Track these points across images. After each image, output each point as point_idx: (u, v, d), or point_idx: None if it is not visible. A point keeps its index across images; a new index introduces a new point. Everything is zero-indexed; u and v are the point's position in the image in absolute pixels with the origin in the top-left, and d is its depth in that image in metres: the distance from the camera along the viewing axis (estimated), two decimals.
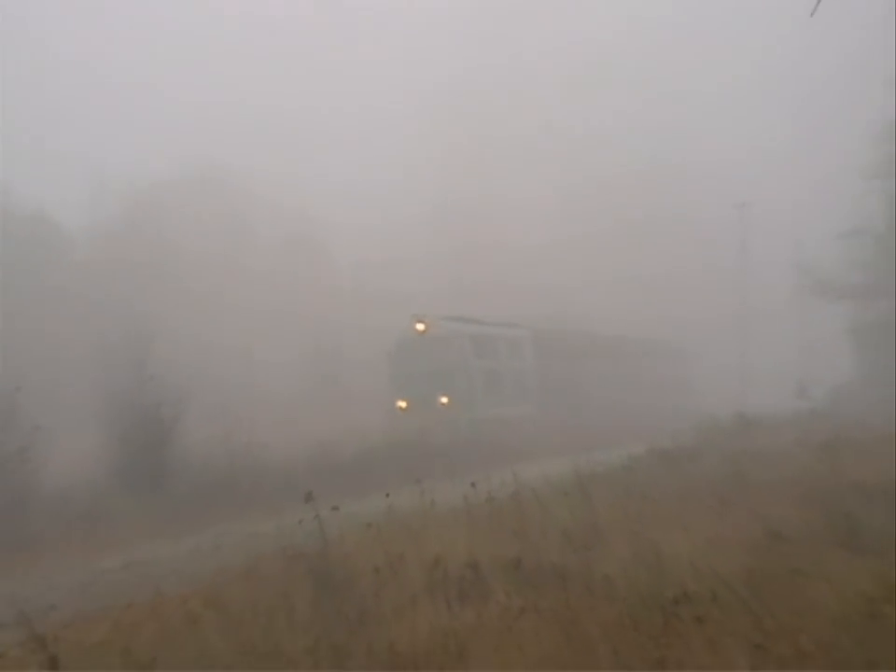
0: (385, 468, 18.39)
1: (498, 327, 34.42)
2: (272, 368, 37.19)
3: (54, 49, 48.03)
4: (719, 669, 4.67)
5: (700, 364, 48.02)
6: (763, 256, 49.18)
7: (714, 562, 6.19)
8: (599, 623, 5.38)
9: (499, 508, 9.16)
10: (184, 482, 18.41)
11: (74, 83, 49.65)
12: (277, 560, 8.04)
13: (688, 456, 15.80)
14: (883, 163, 33.63)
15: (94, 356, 22.86)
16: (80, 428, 19.66)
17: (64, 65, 48.84)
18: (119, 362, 20.23)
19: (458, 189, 52.83)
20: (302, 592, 6.87)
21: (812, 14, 6.99)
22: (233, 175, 45.13)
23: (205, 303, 36.04)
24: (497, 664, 5.08)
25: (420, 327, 30.99)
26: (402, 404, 30.53)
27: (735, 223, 51.65)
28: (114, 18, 55.43)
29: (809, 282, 37.36)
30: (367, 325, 37.31)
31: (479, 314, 34.34)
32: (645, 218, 54.05)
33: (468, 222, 51.15)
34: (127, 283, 32.59)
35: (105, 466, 18.41)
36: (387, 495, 8.91)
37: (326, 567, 7.38)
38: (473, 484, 9.18)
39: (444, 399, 30.05)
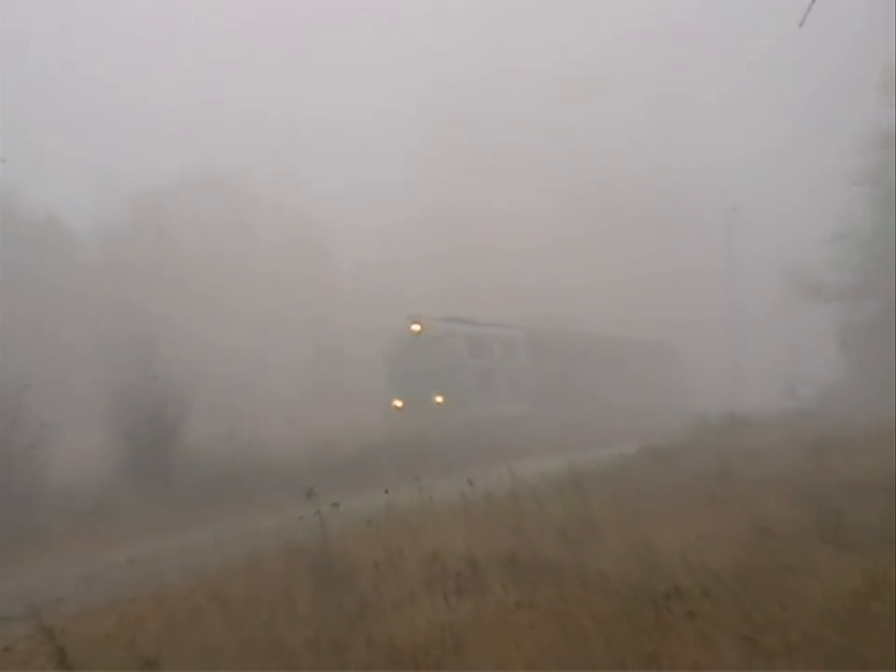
0: (384, 465, 18.37)
1: (492, 327, 34.38)
2: (273, 367, 37.23)
3: (62, 58, 47.99)
4: (709, 661, 4.67)
5: (692, 365, 48.07)
6: (753, 259, 49.22)
7: (705, 557, 6.19)
8: (593, 617, 5.37)
9: (496, 504, 9.16)
10: (188, 478, 18.44)
11: (81, 91, 49.66)
12: (279, 555, 8.04)
13: (680, 455, 15.84)
14: (869, 170, 33.75)
15: (101, 355, 22.93)
16: (87, 426, 19.68)
17: (71, 74, 48.84)
18: (125, 362, 20.28)
19: (456, 193, 52.88)
20: (303, 586, 6.87)
21: (801, 24, 7.00)
22: (236, 180, 45.22)
23: (208, 304, 36.11)
24: (493, 656, 5.08)
25: (416, 327, 30.94)
26: (398, 403, 30.49)
27: (726, 227, 51.76)
28: (119, 27, 55.41)
29: (798, 284, 37.34)
30: (366, 325, 37.30)
31: (476, 315, 34.32)
32: (639, 222, 54.09)
33: (466, 225, 51.23)
34: (132, 284, 32.63)
35: (111, 462, 18.43)
36: (386, 491, 8.90)
37: (326, 561, 7.38)
38: (470, 482, 9.17)
39: (439, 399, 30.00)
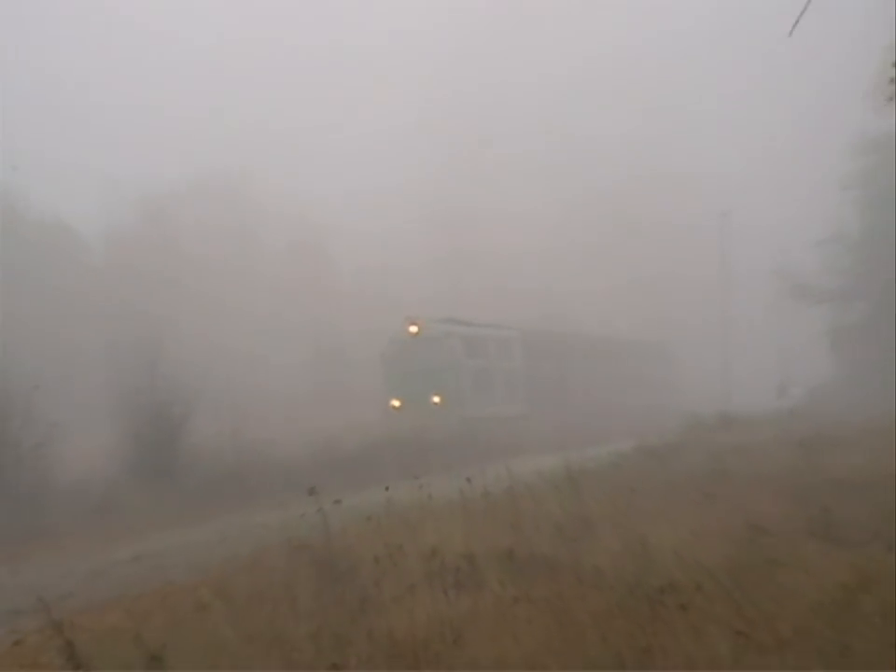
0: (384, 463, 18.36)
1: (488, 328, 34.32)
2: (276, 368, 37.24)
3: (71, 67, 47.97)
4: (702, 654, 4.68)
5: (686, 365, 48.07)
6: (745, 262, 49.22)
7: (698, 553, 6.20)
8: (589, 612, 5.39)
9: (494, 501, 9.15)
10: (193, 476, 18.45)
11: (89, 99, 49.63)
12: (282, 551, 8.05)
13: (673, 453, 15.81)
14: (858, 175, 33.87)
15: (108, 356, 22.95)
16: (94, 426, 19.70)
17: (80, 82, 48.83)
18: (132, 363, 20.26)
19: (456, 198, 52.89)
20: (306, 581, 6.88)
21: (790, 34, 7.00)
22: (239, 185, 45.25)
23: (213, 307, 36.12)
24: (491, 650, 5.09)
25: (413, 328, 30.90)
26: (396, 403, 30.45)
27: (718, 231, 51.76)
28: (127, 36, 55.40)
29: (789, 287, 37.39)
30: (366, 327, 37.25)
31: (475, 317, 34.30)
32: (634, 226, 54.16)
33: (464, 229, 51.23)
34: (139, 287, 32.67)
35: (118, 461, 18.43)
36: (387, 489, 8.88)
37: (328, 557, 7.38)
38: (469, 479, 9.16)
39: (436, 399, 29.95)
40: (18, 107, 37.88)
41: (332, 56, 61.64)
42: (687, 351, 48.30)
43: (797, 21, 7.01)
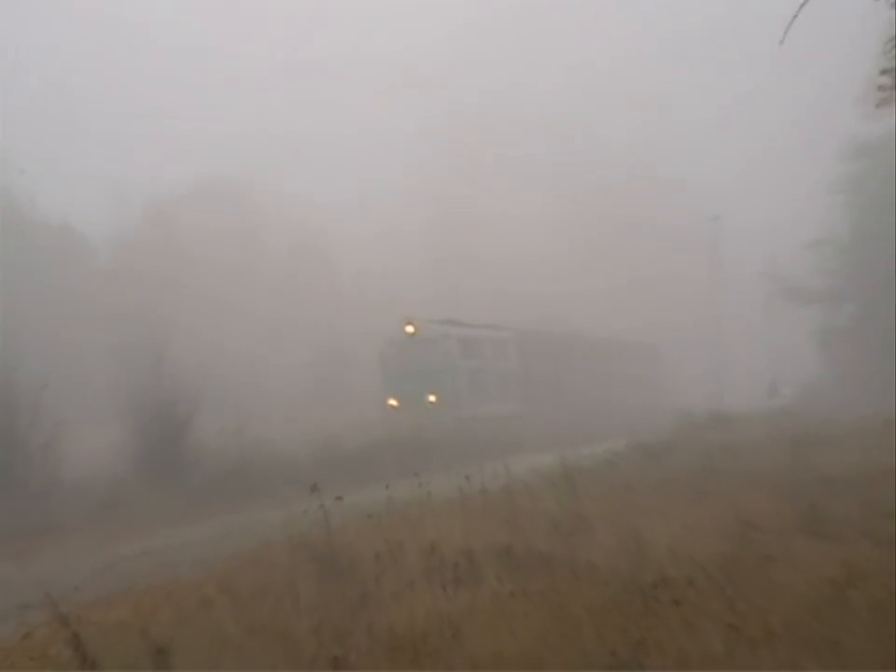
0: (384, 461, 18.37)
1: (484, 328, 34.31)
2: (279, 369, 37.17)
3: (78, 72, 47.92)
4: (694, 647, 4.69)
5: (678, 365, 48.10)
6: (737, 264, 49.25)
7: (691, 548, 6.22)
8: (584, 606, 5.40)
9: (492, 499, 9.15)
10: (198, 474, 18.47)
11: (94, 104, 49.55)
12: (284, 547, 8.05)
13: (667, 451, 15.84)
14: (848, 179, 33.90)
15: (114, 357, 22.88)
16: (101, 424, 19.67)
17: (87, 88, 48.82)
18: (137, 363, 20.25)
19: (455, 203, 52.82)
20: (308, 577, 6.88)
21: (781, 42, 7.04)
22: (242, 189, 45.15)
23: (217, 309, 36.03)
24: (489, 643, 5.10)
25: (409, 329, 30.87)
26: (393, 403, 30.44)
27: (710, 234, 51.79)
28: (132, 43, 55.33)
29: (780, 288, 37.52)
30: (367, 328, 37.21)
31: (473, 318, 34.28)
32: (628, 229, 54.10)
33: (463, 234, 51.17)
34: (145, 289, 32.58)
35: (124, 459, 18.44)
36: (387, 486, 8.88)
37: (329, 553, 7.38)
38: (467, 477, 9.18)
39: (433, 398, 29.94)
40: (24, 111, 37.89)
41: (334, 61, 61.64)
42: (680, 351, 48.33)
43: (787, 31, 7.05)
